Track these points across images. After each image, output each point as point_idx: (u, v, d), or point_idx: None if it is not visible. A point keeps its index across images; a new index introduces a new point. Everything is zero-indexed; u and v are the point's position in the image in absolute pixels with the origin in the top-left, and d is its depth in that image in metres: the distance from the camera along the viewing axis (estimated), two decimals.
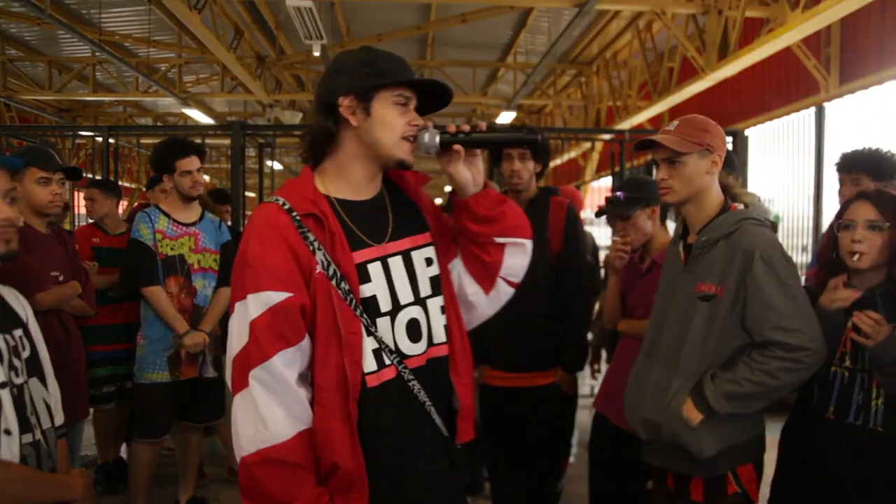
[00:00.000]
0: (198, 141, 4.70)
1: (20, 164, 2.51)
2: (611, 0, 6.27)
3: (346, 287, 1.29)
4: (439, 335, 1.41)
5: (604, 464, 2.59)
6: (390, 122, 1.33)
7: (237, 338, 1.27)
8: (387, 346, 1.32)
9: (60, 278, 2.69)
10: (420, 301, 1.39)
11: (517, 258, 1.49)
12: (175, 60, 9.37)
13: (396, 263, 1.38)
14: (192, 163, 3.03)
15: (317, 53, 6.48)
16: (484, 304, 1.53)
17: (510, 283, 1.54)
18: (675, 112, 8.14)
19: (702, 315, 1.75)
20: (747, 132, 7.06)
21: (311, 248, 1.28)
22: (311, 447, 1.26)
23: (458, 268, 1.51)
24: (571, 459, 4.11)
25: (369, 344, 1.31)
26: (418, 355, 1.37)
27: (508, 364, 2.75)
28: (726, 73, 6.20)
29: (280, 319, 1.25)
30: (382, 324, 1.33)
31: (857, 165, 2.61)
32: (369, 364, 1.30)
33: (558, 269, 2.72)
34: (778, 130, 6.80)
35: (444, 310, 1.43)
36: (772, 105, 6.81)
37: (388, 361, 1.32)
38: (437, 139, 1.36)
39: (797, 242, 6.32)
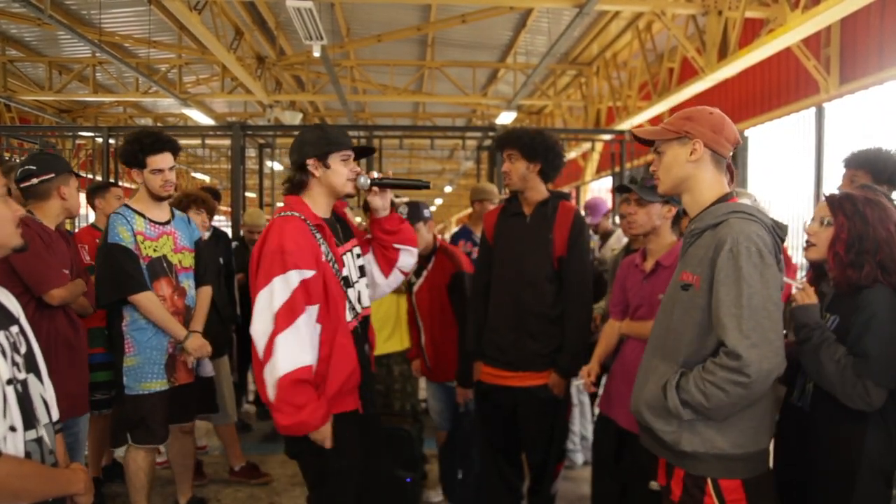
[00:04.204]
0: (197, 141, 4.67)
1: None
2: (611, 0, 6.27)
3: (337, 268, 2.12)
4: (366, 301, 2.31)
5: (607, 464, 2.60)
6: (341, 171, 2.16)
7: (280, 297, 1.97)
8: (352, 305, 2.18)
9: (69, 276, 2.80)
10: (358, 280, 2.27)
11: (407, 258, 2.38)
12: (175, 61, 9.37)
13: (349, 256, 2.25)
14: (164, 160, 2.84)
15: (317, 54, 6.47)
16: (383, 283, 2.39)
17: (403, 273, 2.41)
18: (675, 113, 8.14)
19: (681, 304, 1.72)
20: (747, 132, 7.09)
21: (319, 243, 2.08)
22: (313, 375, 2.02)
23: (369, 260, 2.37)
24: (580, 460, 4.10)
25: (347, 305, 2.15)
26: (361, 313, 2.25)
27: (504, 361, 2.77)
28: (726, 74, 6.21)
29: (312, 286, 2.01)
30: (351, 292, 2.19)
31: (856, 163, 2.63)
32: (348, 316, 2.14)
33: (560, 273, 2.73)
34: (778, 131, 6.80)
35: (367, 286, 2.33)
36: (772, 105, 6.81)
37: (351, 316, 2.17)
38: (368, 182, 2.21)
39: (798, 243, 6.33)
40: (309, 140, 2.15)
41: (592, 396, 4.02)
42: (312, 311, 2.02)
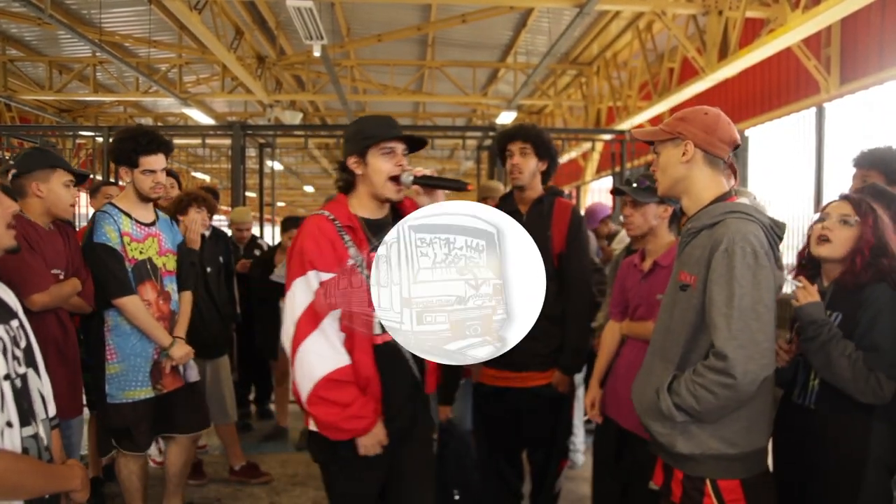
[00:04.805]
0: (197, 140, 4.64)
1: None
2: (611, 0, 6.28)
3: (367, 274, 1.86)
4: None
5: (607, 464, 2.59)
6: (379, 168, 1.93)
7: (301, 300, 1.86)
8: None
9: (61, 276, 2.64)
10: None
11: None
12: (175, 61, 9.37)
13: None
14: (157, 161, 2.74)
15: (317, 53, 6.48)
16: None
17: None
18: (675, 113, 8.14)
19: (679, 305, 1.72)
20: (747, 132, 7.09)
21: (347, 246, 1.91)
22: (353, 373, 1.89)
23: None
24: (580, 461, 4.10)
25: (377, 315, 1.88)
26: None
27: (505, 362, 2.74)
28: (726, 74, 6.21)
29: (333, 289, 1.87)
30: None
31: (869, 162, 2.59)
32: (377, 329, 1.91)
33: (560, 271, 2.71)
34: (778, 131, 6.80)
35: None
36: (772, 105, 6.81)
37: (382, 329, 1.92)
38: (410, 179, 1.96)
39: (794, 243, 6.33)
40: (348, 136, 2.02)
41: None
42: (336, 315, 1.89)
